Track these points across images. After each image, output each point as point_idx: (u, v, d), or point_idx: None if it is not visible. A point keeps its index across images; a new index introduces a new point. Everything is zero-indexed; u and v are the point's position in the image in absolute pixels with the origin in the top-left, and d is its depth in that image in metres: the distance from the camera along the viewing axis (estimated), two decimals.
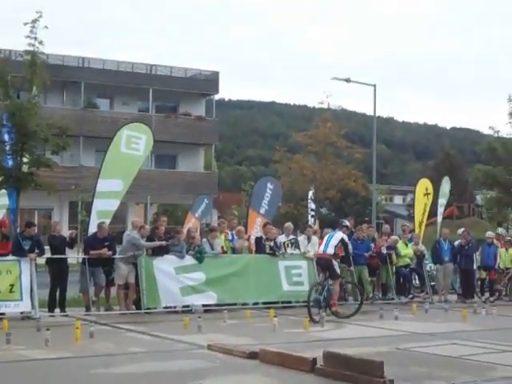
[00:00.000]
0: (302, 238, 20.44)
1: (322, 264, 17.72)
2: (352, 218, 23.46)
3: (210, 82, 53.92)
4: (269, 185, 22.06)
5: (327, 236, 17.93)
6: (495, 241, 23.02)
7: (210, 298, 17.79)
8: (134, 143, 18.38)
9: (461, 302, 21.20)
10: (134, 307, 17.14)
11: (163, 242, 17.49)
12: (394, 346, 12.60)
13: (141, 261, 17.11)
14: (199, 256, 17.78)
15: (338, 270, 17.46)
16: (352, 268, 19.23)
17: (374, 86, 38.97)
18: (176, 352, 11.98)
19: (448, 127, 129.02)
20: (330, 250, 17.20)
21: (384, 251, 20.96)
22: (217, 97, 57.77)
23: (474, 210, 67.68)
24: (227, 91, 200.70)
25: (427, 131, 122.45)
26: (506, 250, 22.71)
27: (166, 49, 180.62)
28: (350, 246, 18.15)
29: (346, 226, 18.67)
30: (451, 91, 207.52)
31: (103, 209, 17.88)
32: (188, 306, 17.44)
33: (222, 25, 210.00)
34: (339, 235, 17.57)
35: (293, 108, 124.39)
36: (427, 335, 14.24)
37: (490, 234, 23.22)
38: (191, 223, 25.96)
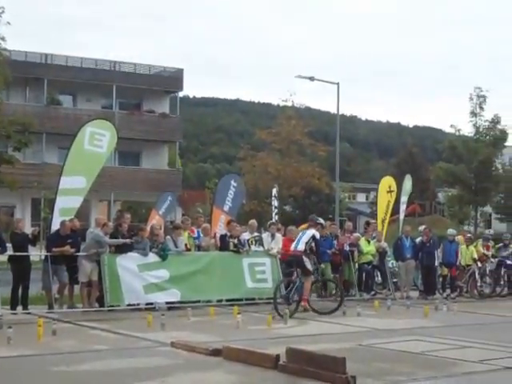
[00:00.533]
0: (265, 236, 20.43)
1: (293, 261, 17.58)
2: (316, 215, 23.50)
3: (174, 79, 53.74)
4: (232, 182, 22.07)
5: (300, 233, 17.92)
6: (460, 237, 23.28)
7: (174, 295, 17.75)
8: (97, 140, 18.22)
9: (422, 298, 21.42)
10: (97, 305, 17.06)
11: (127, 240, 17.41)
12: (356, 342, 12.68)
13: (104, 258, 17.01)
14: (162, 253, 17.73)
15: (310, 267, 17.32)
16: (322, 265, 19.19)
17: (338, 84, 39.17)
18: (139, 349, 11.95)
19: (411, 125, 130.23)
20: (301, 247, 17.17)
21: (346, 248, 21.10)
22: (181, 94, 57.73)
23: (436, 208, 68.40)
24: (191, 89, 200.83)
25: (390, 129, 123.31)
26: (467, 247, 22.94)
27: (130, 46, 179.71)
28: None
29: (321, 224, 18.58)
30: (414, 90, 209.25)
31: (66, 206, 17.71)
32: (151, 304, 17.40)
33: (185, 22, 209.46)
34: (311, 232, 17.51)
35: (257, 106, 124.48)
36: (389, 331, 14.35)
37: (451, 231, 23.41)
38: (155, 220, 25.86)
